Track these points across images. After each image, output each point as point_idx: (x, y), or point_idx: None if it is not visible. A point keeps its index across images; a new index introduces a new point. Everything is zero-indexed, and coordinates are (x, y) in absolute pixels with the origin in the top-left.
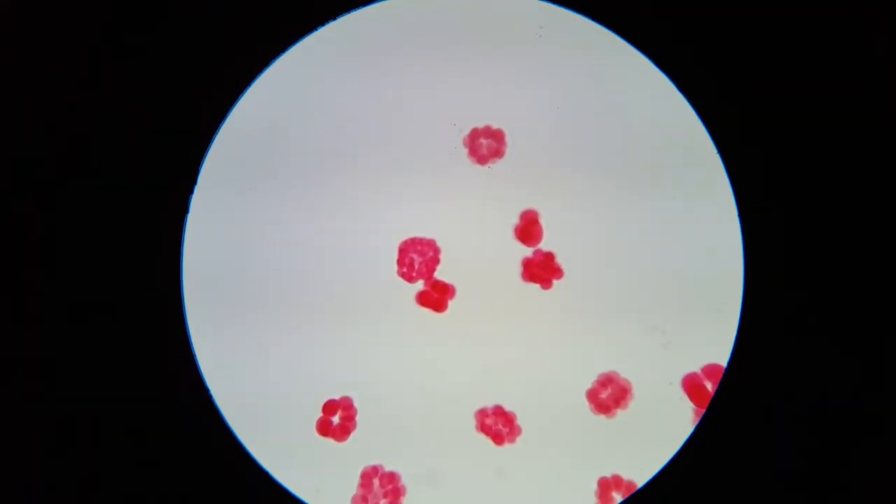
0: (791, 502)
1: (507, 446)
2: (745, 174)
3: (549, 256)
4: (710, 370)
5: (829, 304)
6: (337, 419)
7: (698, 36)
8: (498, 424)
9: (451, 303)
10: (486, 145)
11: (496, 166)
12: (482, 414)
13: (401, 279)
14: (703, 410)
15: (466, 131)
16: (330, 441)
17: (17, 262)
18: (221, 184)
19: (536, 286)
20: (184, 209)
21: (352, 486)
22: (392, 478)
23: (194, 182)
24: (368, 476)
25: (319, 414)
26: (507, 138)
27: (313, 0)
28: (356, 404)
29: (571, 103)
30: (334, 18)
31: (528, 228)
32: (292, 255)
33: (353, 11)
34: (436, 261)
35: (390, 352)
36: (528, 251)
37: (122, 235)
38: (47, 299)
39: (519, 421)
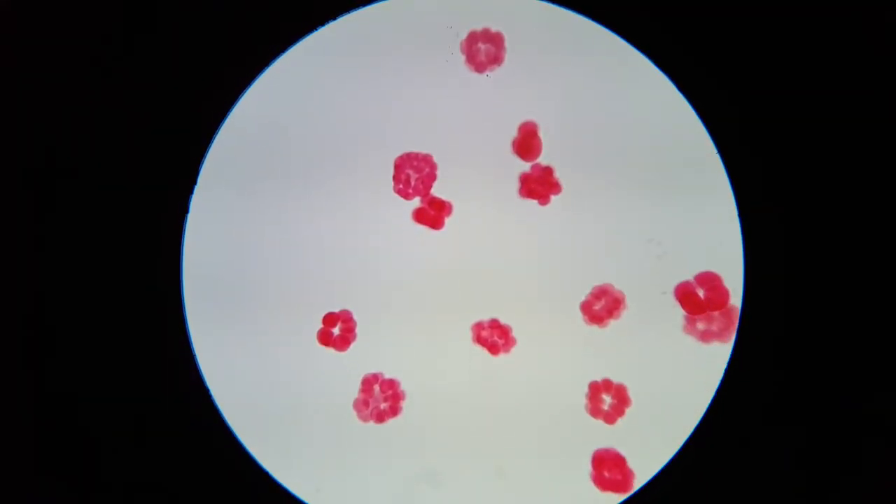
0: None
1: (502, 356)
2: (745, 174)
3: (548, 171)
4: (703, 278)
5: (830, 305)
6: (337, 330)
7: (698, 36)
8: (494, 336)
9: (447, 220)
10: (484, 50)
11: (494, 74)
12: (478, 327)
13: (397, 196)
14: (695, 318)
15: (463, 35)
16: (331, 350)
17: (17, 262)
18: (221, 184)
19: (534, 202)
20: (184, 209)
21: (353, 392)
22: (392, 384)
23: (194, 182)
24: (369, 382)
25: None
26: (507, 45)
27: (313, 0)
28: (355, 317)
29: (571, 103)
30: (334, 18)
31: (526, 141)
32: (292, 255)
33: (352, 11)
34: (432, 177)
35: (387, 267)
36: (525, 166)
37: (122, 235)
38: (47, 299)
39: (514, 333)
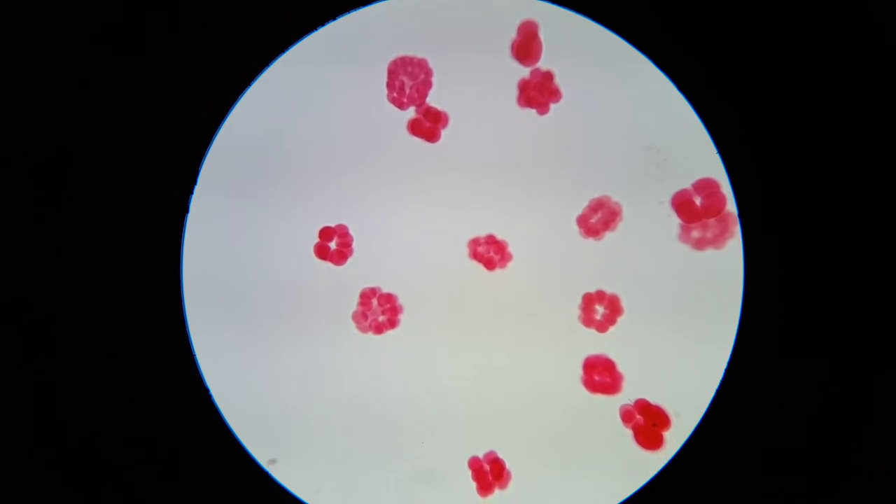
0: None
1: (497, 271)
2: (745, 174)
3: (548, 76)
4: (700, 185)
5: (830, 305)
6: (334, 245)
7: (699, 36)
8: (490, 252)
9: (443, 131)
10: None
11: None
12: (475, 242)
13: (391, 105)
14: (690, 226)
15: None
16: (328, 264)
17: (16, 262)
18: (222, 183)
19: (533, 111)
20: (184, 209)
21: (351, 305)
22: (390, 298)
23: (194, 182)
24: (367, 296)
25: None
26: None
27: (313, 0)
28: (352, 232)
29: (571, 103)
30: (334, 18)
31: (526, 44)
32: (292, 255)
33: (353, 11)
34: (428, 84)
35: (381, 183)
36: (524, 72)
37: (122, 235)
38: (47, 299)
39: (510, 248)
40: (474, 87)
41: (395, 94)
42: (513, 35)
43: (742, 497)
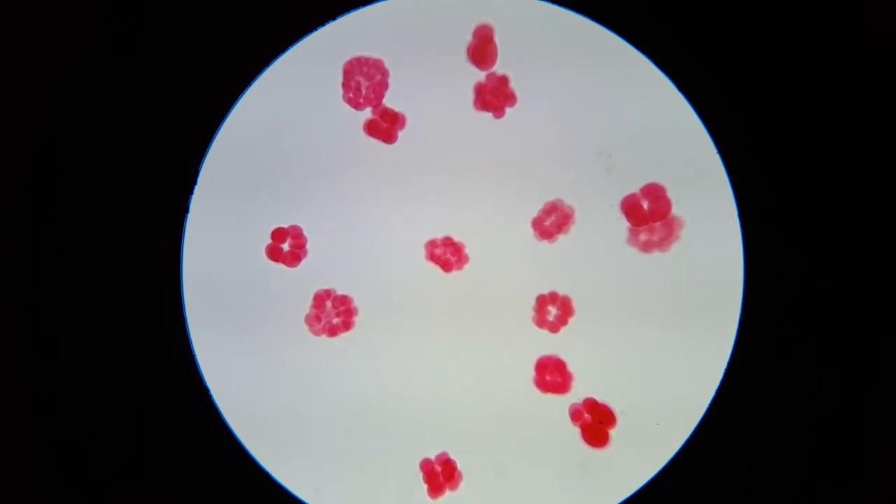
0: None
1: (454, 273)
2: (745, 175)
3: (503, 80)
4: (647, 189)
5: (830, 306)
6: (287, 246)
7: (699, 36)
8: (447, 253)
9: (401, 133)
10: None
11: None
12: (432, 244)
13: (347, 105)
14: (638, 229)
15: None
16: (281, 266)
17: (16, 262)
18: (222, 183)
19: (489, 115)
20: (184, 209)
21: (304, 308)
22: (345, 300)
23: (194, 182)
24: (321, 298)
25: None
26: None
27: (313, 0)
28: (306, 233)
29: (571, 103)
30: (334, 18)
31: (482, 48)
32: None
33: (352, 11)
34: (384, 85)
35: (338, 185)
36: (481, 75)
37: (122, 235)
38: (47, 299)
39: (466, 250)
40: (431, 91)
41: (350, 95)
42: (469, 39)
43: (742, 497)
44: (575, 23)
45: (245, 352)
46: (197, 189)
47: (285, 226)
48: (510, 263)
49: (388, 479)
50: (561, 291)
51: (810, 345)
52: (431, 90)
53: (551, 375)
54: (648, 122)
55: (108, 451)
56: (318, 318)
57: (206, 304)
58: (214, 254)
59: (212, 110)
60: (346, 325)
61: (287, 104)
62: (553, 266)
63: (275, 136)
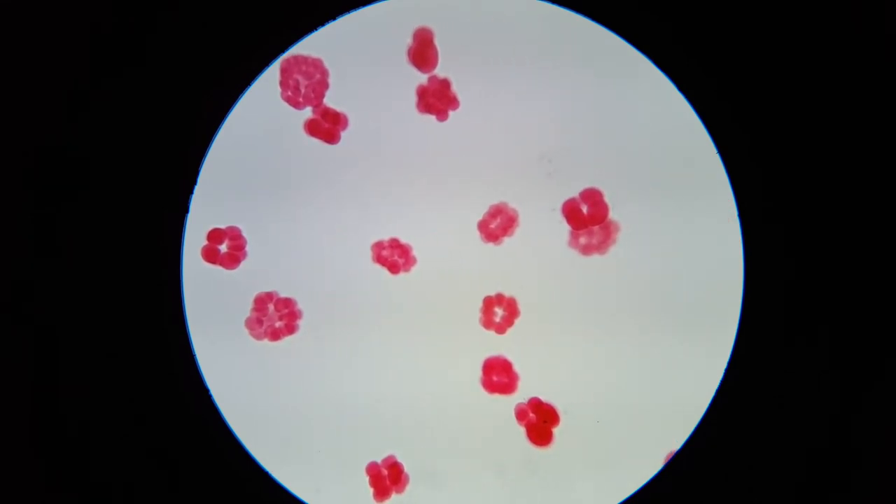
0: None
1: (401, 275)
2: (745, 175)
3: (445, 84)
4: (587, 194)
5: (830, 307)
6: (224, 248)
7: (699, 36)
8: (394, 255)
9: (343, 133)
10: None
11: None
12: (378, 246)
13: (286, 104)
14: (578, 232)
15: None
16: (219, 268)
17: (16, 262)
18: (222, 183)
19: (432, 117)
20: (184, 209)
21: (244, 312)
22: (288, 303)
23: (194, 182)
24: (263, 301)
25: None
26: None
27: (314, 0)
28: (245, 234)
29: (571, 103)
30: (334, 18)
31: (422, 51)
32: (293, 254)
33: (353, 11)
34: (324, 84)
35: (278, 185)
36: (422, 78)
37: (122, 235)
38: (47, 299)
39: (414, 252)
40: (373, 93)
41: (289, 93)
42: (409, 42)
43: (742, 497)
44: (575, 23)
45: (245, 351)
46: (197, 189)
47: (223, 227)
48: (457, 265)
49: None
50: (507, 293)
51: (810, 345)
52: (373, 93)
53: (498, 376)
54: (648, 122)
55: (108, 451)
56: (260, 322)
57: (206, 304)
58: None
59: (212, 110)
60: (290, 329)
61: (287, 104)
62: (499, 268)
63: (275, 136)
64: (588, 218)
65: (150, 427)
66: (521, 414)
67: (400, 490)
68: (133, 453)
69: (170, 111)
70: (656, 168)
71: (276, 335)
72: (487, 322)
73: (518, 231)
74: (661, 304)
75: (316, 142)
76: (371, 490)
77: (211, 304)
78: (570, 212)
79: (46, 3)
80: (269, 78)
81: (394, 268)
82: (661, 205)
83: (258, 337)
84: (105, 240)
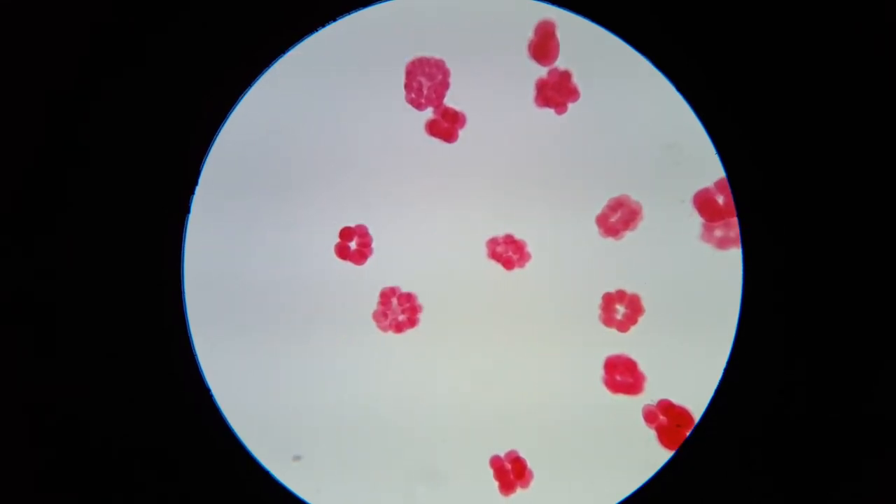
0: None
1: (516, 271)
2: (745, 175)
3: (566, 76)
4: (723, 183)
5: (830, 306)
6: (354, 245)
7: (699, 37)
8: (508, 251)
9: (461, 132)
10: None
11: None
12: (493, 242)
13: (409, 106)
14: (712, 224)
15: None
16: (349, 264)
17: (17, 262)
18: (223, 183)
19: (550, 111)
20: (185, 209)
21: (371, 305)
22: (410, 297)
23: (196, 182)
24: (387, 295)
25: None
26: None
27: (314, 1)
28: (371, 232)
29: (589, 102)
30: (335, 19)
31: (543, 43)
32: (293, 255)
33: (354, 12)
34: (445, 85)
35: (400, 184)
36: (542, 71)
37: (123, 236)
38: (47, 299)
39: (528, 248)
40: (490, 88)
41: (412, 95)
42: (530, 35)
43: (742, 497)
44: (574, 23)
45: (246, 351)
46: (198, 189)
47: (352, 225)
48: (574, 261)
49: (390, 480)
50: (629, 290)
51: (810, 345)
52: (491, 87)
53: (622, 375)
54: (648, 123)
55: (109, 451)
56: (385, 315)
57: (207, 304)
58: (215, 254)
59: (213, 110)
60: (412, 322)
61: (289, 103)
62: (620, 263)
63: (277, 136)
64: (725, 208)
65: (150, 427)
66: (650, 416)
67: (525, 485)
68: (134, 454)
69: (171, 111)
70: (656, 168)
71: (399, 328)
72: (608, 320)
73: (642, 225)
74: (661, 304)
75: (432, 140)
76: (496, 483)
77: (211, 305)
78: (704, 203)
79: (47, 3)
80: (333, 78)
81: (508, 264)
82: (682, 203)
83: (384, 329)
84: (106, 240)
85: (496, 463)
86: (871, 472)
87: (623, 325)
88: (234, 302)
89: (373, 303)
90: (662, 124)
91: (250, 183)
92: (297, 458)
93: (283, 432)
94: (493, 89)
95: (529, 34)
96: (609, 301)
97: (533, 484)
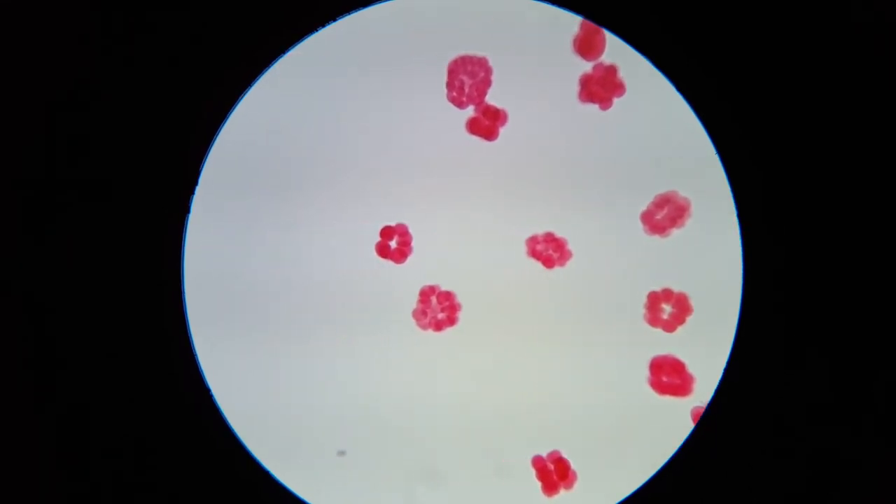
0: None
1: (556, 269)
2: (745, 175)
3: (612, 71)
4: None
5: (830, 306)
6: (394, 243)
7: (699, 37)
8: (548, 250)
9: (502, 130)
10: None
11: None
12: (533, 241)
13: (450, 104)
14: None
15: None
16: (389, 262)
17: (17, 262)
18: (223, 184)
19: (595, 106)
20: (185, 209)
21: (411, 304)
22: (449, 296)
23: (196, 182)
24: (426, 294)
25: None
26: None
27: (314, 1)
28: (411, 231)
29: (570, 104)
30: (335, 20)
31: (589, 38)
32: (294, 255)
33: (354, 12)
34: (487, 82)
35: (440, 182)
36: (586, 66)
37: (123, 235)
38: (47, 299)
39: (569, 246)
40: (534, 84)
41: (454, 94)
42: (576, 31)
43: (742, 497)
44: (574, 24)
45: (246, 351)
46: (198, 189)
47: (392, 224)
48: (617, 259)
49: (390, 480)
50: (676, 288)
51: (809, 345)
52: (534, 84)
53: (668, 376)
54: (647, 123)
55: (109, 451)
56: (425, 314)
57: (207, 304)
58: (215, 254)
59: (213, 110)
60: (451, 321)
61: (290, 103)
62: (666, 261)
63: (277, 136)
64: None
65: (150, 427)
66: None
67: (569, 486)
68: (133, 454)
69: (171, 110)
70: (655, 170)
71: (439, 326)
72: (654, 319)
73: (689, 221)
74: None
75: (474, 138)
76: (539, 483)
77: (211, 305)
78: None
79: (47, 4)
80: (333, 78)
81: (548, 262)
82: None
83: (424, 328)
84: (106, 240)
85: (538, 463)
86: (871, 472)
87: (669, 325)
88: (234, 302)
89: (412, 301)
90: (658, 125)
91: (250, 183)
92: (341, 453)
93: (283, 432)
94: (536, 84)
95: (575, 30)
96: (654, 300)
97: (577, 485)
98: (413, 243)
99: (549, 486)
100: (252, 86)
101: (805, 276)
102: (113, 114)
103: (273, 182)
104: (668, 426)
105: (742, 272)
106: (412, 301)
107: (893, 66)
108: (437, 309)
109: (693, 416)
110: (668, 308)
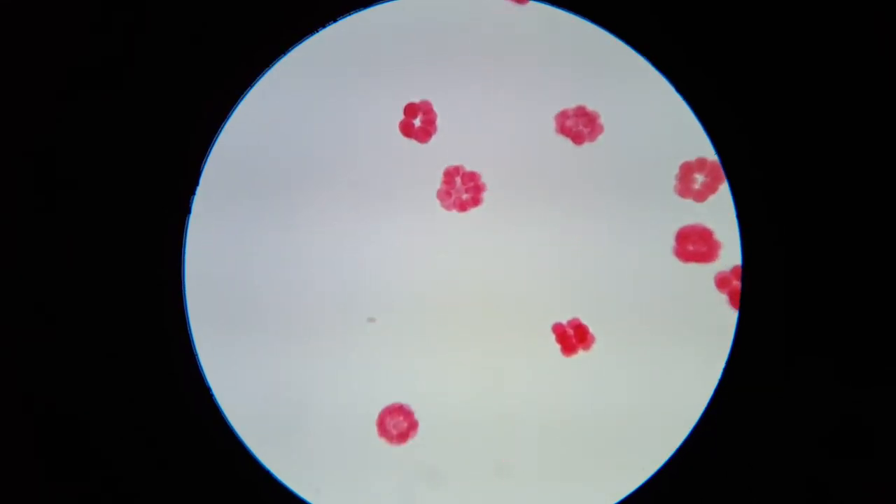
0: None
1: (587, 145)
2: (744, 175)
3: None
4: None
5: (829, 306)
6: (418, 122)
7: (698, 38)
8: (579, 125)
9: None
10: None
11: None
12: (562, 116)
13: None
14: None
15: None
16: (413, 141)
17: (17, 262)
18: (223, 184)
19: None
20: (185, 209)
21: (435, 184)
22: (473, 176)
23: (196, 182)
24: (451, 174)
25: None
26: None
27: (315, 1)
28: (436, 108)
29: (570, 105)
30: (335, 20)
31: None
32: (295, 255)
33: (354, 13)
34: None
35: (467, 58)
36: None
37: (124, 236)
38: (48, 299)
39: (601, 120)
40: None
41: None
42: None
43: (742, 497)
44: (574, 24)
45: (247, 352)
46: (199, 190)
47: (416, 101)
48: (649, 134)
49: (389, 478)
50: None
51: (809, 345)
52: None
53: (695, 245)
54: (647, 123)
55: (109, 451)
56: (449, 194)
57: (207, 304)
58: (216, 254)
59: (214, 111)
60: (475, 202)
61: (291, 104)
62: (700, 135)
63: (278, 136)
64: None
65: (151, 427)
66: (722, 282)
67: (587, 347)
68: (134, 454)
69: (172, 111)
70: (654, 170)
71: (463, 207)
72: (684, 190)
73: (723, 186)
74: (657, 303)
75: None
76: (559, 346)
77: (212, 305)
78: None
79: (47, 4)
80: (333, 78)
81: (578, 138)
82: (659, 207)
83: (448, 208)
84: (107, 240)
85: (558, 329)
86: (871, 472)
87: (701, 195)
88: (235, 302)
89: (436, 182)
90: (658, 125)
91: (251, 184)
92: (371, 319)
93: (283, 432)
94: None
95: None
96: (687, 170)
97: (595, 347)
98: (438, 121)
99: (568, 349)
100: (252, 87)
101: (804, 273)
102: (114, 114)
103: (273, 182)
104: (692, 291)
105: (742, 272)
106: (436, 182)
107: (893, 66)
108: (462, 189)
109: (717, 281)
110: (700, 178)
